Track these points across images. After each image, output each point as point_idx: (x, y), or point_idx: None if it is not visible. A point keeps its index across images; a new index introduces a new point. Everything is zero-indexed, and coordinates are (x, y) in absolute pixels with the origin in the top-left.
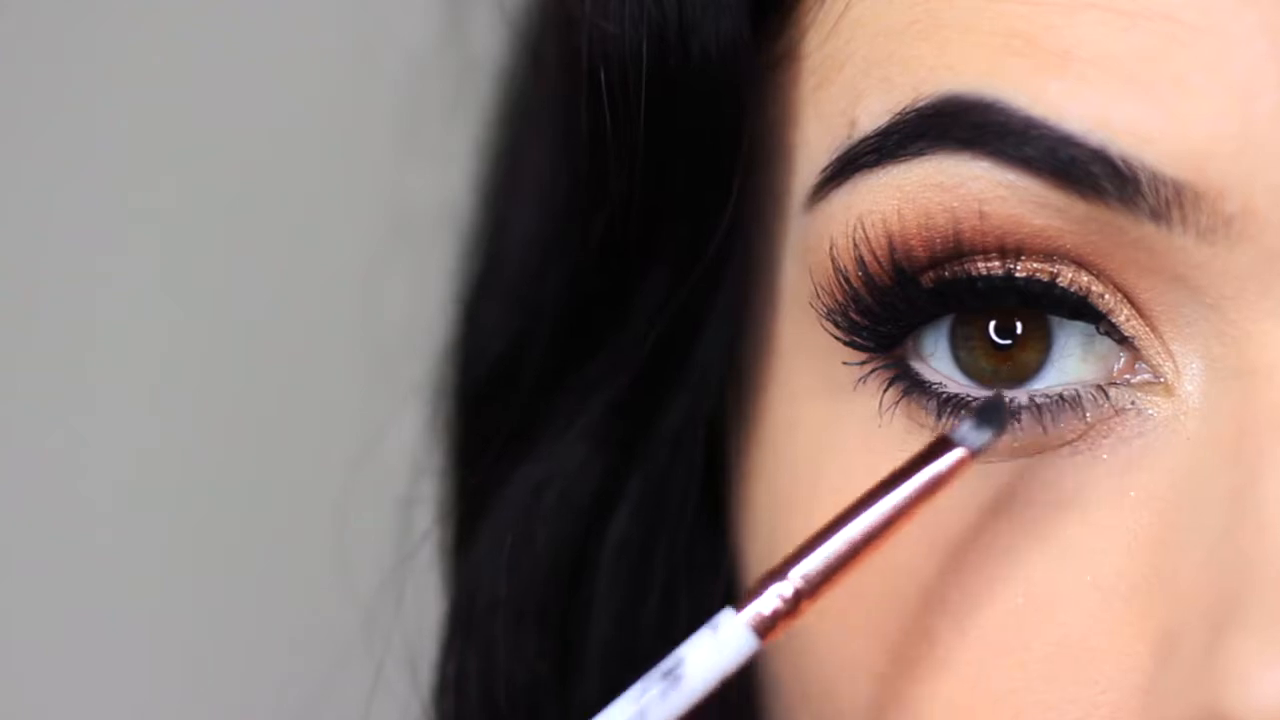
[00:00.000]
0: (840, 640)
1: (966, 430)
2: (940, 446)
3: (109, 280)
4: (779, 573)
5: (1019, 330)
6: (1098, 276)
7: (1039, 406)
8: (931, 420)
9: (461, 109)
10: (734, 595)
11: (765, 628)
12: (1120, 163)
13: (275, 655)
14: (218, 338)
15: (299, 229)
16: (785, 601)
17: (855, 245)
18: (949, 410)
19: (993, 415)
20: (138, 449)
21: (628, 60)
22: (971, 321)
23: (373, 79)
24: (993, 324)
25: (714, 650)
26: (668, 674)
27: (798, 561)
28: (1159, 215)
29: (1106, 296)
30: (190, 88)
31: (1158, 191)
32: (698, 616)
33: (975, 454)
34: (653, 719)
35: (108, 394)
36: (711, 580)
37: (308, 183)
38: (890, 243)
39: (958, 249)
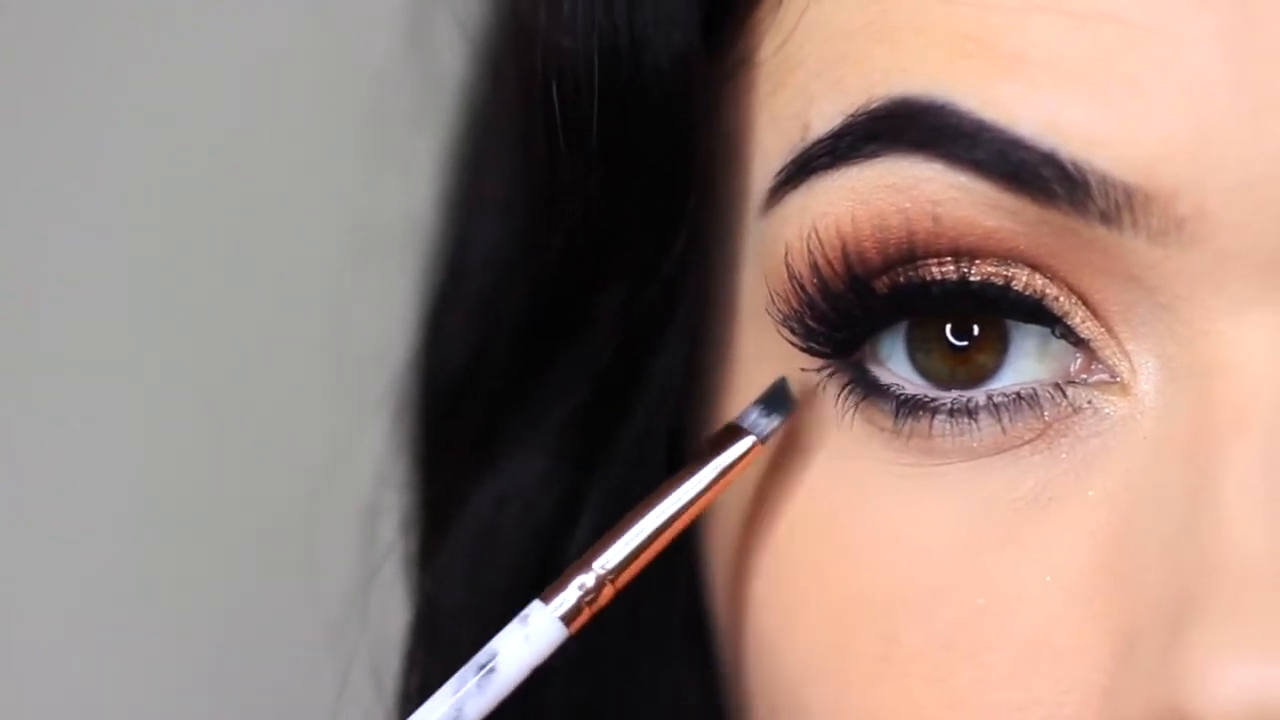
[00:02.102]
0: (804, 645)
1: (755, 418)
2: (730, 435)
3: (75, 287)
4: (583, 564)
5: (975, 332)
6: (1052, 279)
7: (997, 406)
8: (890, 423)
9: (425, 122)
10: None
11: (571, 616)
12: (1070, 166)
13: (241, 665)
14: (181, 349)
15: (264, 242)
16: (588, 591)
17: (809, 250)
18: (907, 411)
19: (778, 401)
20: (100, 459)
21: (580, 74)
22: (927, 325)
23: (337, 93)
24: (949, 327)
25: (524, 641)
26: (482, 667)
27: (600, 553)
28: (1109, 218)
29: (1061, 299)
30: (156, 100)
31: (1108, 195)
32: (660, 626)
33: (764, 440)
34: (470, 710)
35: (69, 402)
36: (673, 590)
37: (272, 195)
38: (844, 246)
39: (911, 252)
